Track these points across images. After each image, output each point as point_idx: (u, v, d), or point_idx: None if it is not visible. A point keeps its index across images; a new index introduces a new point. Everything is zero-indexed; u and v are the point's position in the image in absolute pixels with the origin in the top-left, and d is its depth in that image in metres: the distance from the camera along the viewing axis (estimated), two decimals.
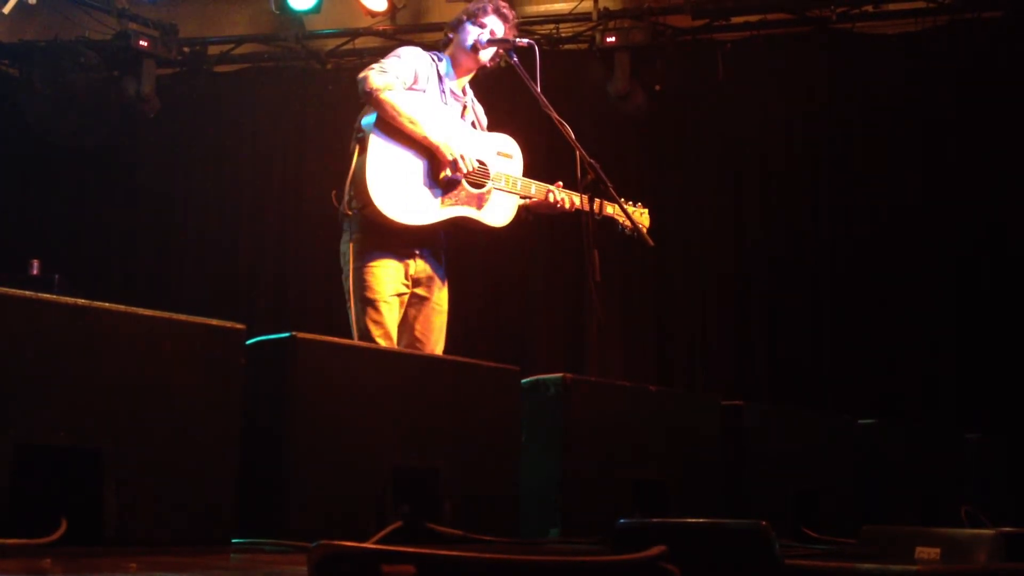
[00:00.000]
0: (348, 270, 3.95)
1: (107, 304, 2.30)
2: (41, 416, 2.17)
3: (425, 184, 3.92)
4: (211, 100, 8.15)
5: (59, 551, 2.09)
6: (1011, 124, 6.52)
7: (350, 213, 3.90)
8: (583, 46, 7.45)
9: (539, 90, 3.97)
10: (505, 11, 4.19)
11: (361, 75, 3.91)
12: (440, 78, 4.11)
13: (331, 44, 7.99)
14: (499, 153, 4.14)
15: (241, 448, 2.49)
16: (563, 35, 7.53)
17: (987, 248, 6.55)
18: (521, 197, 4.17)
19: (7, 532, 2.05)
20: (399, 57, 4.01)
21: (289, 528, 2.51)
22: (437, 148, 3.90)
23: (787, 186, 7.07)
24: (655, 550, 1.92)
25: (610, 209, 4.14)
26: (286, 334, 2.61)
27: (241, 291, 7.84)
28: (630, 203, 4.30)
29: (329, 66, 7.98)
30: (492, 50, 4.15)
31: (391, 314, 3.95)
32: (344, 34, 7.94)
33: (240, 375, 2.52)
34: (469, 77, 4.24)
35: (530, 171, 4.21)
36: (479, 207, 4.05)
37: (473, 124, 4.22)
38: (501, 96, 4.68)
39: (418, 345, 4.03)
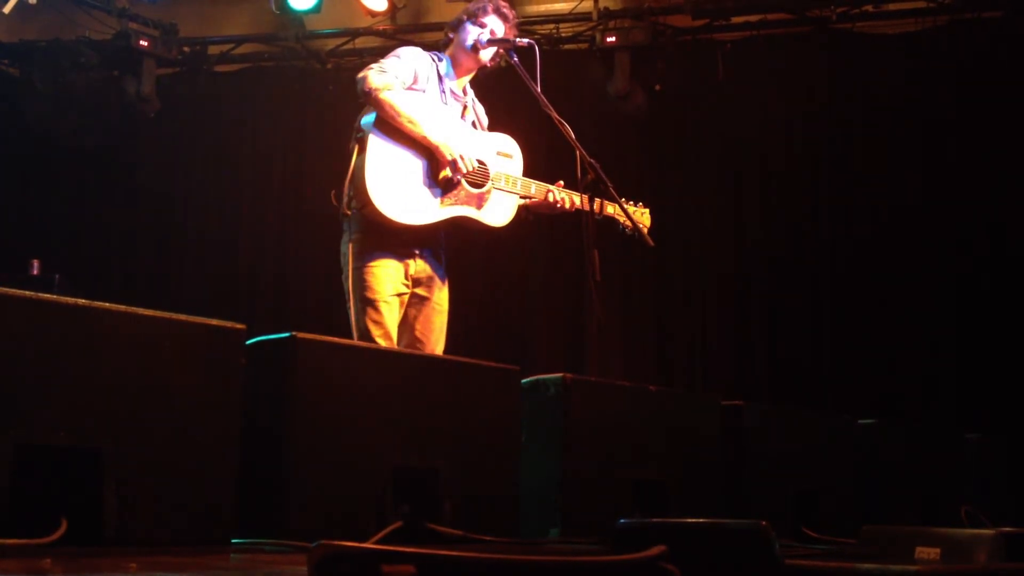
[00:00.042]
0: (348, 270, 3.95)
1: (107, 304, 2.31)
2: (41, 416, 2.17)
3: (425, 184, 3.91)
4: (211, 100, 8.15)
5: (59, 551, 2.09)
6: (1011, 124, 6.52)
7: (350, 213, 3.89)
8: (583, 46, 7.45)
9: (539, 90, 3.97)
10: (505, 11, 4.18)
11: (360, 75, 3.91)
12: (440, 78, 4.11)
13: (331, 44, 7.99)
14: (499, 153, 4.14)
15: (241, 448, 2.49)
16: (563, 35, 7.53)
17: (987, 248, 6.55)
18: (521, 197, 4.16)
19: (7, 532, 2.05)
20: (399, 57, 4.01)
21: (289, 528, 2.51)
22: (436, 148, 3.89)
23: (787, 186, 7.08)
24: (655, 550, 1.92)
25: (610, 209, 4.14)
26: (286, 334, 2.62)
27: (241, 291, 7.84)
28: (630, 203, 4.29)
29: (329, 66, 7.98)
30: (492, 50, 4.15)
31: (391, 314, 3.94)
32: (344, 34, 7.94)
33: (240, 375, 2.52)
34: (469, 77, 4.23)
35: (530, 171, 4.20)
36: (479, 207, 4.04)
37: (473, 124, 4.22)
38: (501, 96, 4.67)
39: (418, 345, 4.03)
